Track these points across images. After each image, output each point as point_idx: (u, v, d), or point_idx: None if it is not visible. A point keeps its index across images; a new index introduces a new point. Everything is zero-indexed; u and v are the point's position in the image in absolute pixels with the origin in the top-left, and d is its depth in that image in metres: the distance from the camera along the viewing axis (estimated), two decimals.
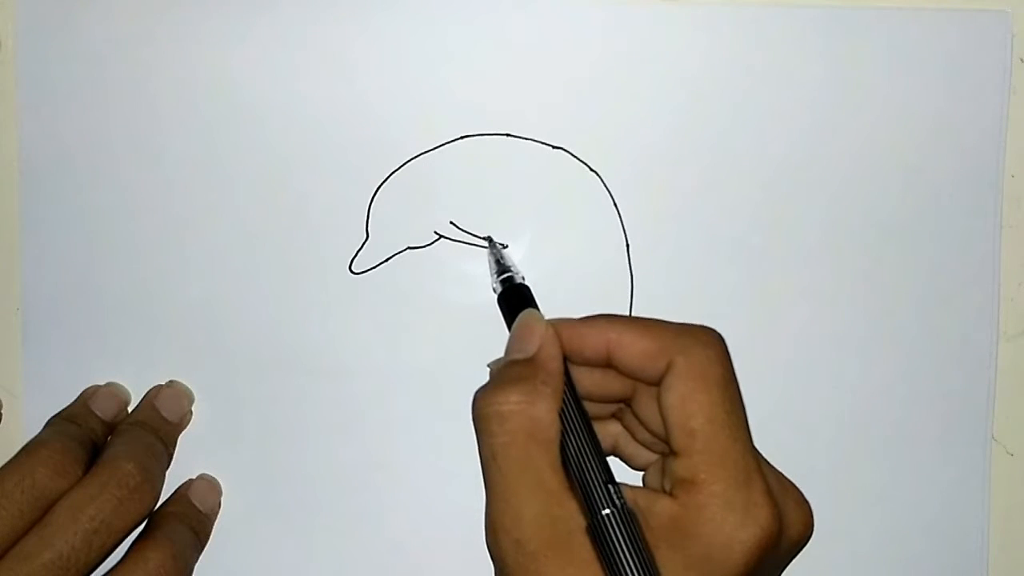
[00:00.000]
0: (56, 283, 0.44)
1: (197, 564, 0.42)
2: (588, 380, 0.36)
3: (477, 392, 0.34)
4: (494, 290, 0.40)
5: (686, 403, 0.33)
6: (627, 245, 0.44)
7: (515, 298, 0.39)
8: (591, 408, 0.36)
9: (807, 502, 0.35)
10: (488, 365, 0.37)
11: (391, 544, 0.44)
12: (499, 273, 0.40)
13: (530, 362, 0.35)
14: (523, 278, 0.40)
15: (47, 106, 0.43)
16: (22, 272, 0.44)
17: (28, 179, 0.44)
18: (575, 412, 0.34)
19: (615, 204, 0.44)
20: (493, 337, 0.43)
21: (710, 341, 0.34)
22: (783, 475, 0.35)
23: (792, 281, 0.44)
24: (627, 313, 0.44)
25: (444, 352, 0.44)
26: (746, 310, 0.44)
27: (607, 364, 0.35)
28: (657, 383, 0.34)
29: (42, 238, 0.44)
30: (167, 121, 0.43)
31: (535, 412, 0.33)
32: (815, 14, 0.43)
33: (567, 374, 0.35)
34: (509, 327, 0.38)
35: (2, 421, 0.44)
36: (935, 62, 0.43)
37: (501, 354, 0.37)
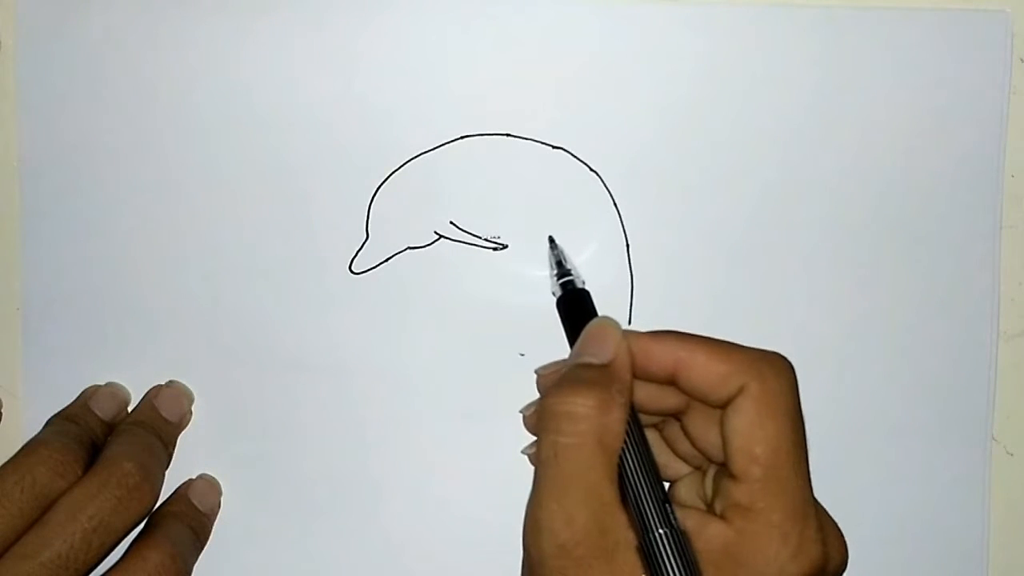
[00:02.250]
0: (56, 283, 0.44)
1: (197, 564, 0.42)
2: (643, 393, 0.35)
3: (550, 388, 0.34)
4: (553, 293, 0.40)
5: (754, 429, 0.33)
6: (627, 245, 0.44)
7: (576, 303, 0.38)
8: None
9: (844, 538, 0.34)
10: (537, 371, 0.37)
11: (391, 544, 0.44)
12: (559, 276, 0.40)
13: (604, 369, 0.34)
14: (583, 282, 0.39)
15: (47, 106, 0.43)
16: (22, 272, 0.44)
17: (28, 179, 0.44)
18: (635, 427, 0.34)
19: (615, 204, 0.44)
20: (493, 337, 0.43)
21: (783, 369, 0.34)
22: (825, 509, 0.34)
23: (792, 281, 0.44)
24: (628, 313, 0.44)
25: (444, 352, 0.44)
26: (746, 310, 0.44)
27: (670, 381, 0.35)
28: (722, 405, 0.33)
29: (42, 238, 0.44)
30: (167, 121, 0.43)
31: (607, 419, 0.33)
32: (814, 14, 0.43)
33: None
34: (566, 330, 0.38)
35: (2, 421, 0.44)
36: (935, 62, 0.43)
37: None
